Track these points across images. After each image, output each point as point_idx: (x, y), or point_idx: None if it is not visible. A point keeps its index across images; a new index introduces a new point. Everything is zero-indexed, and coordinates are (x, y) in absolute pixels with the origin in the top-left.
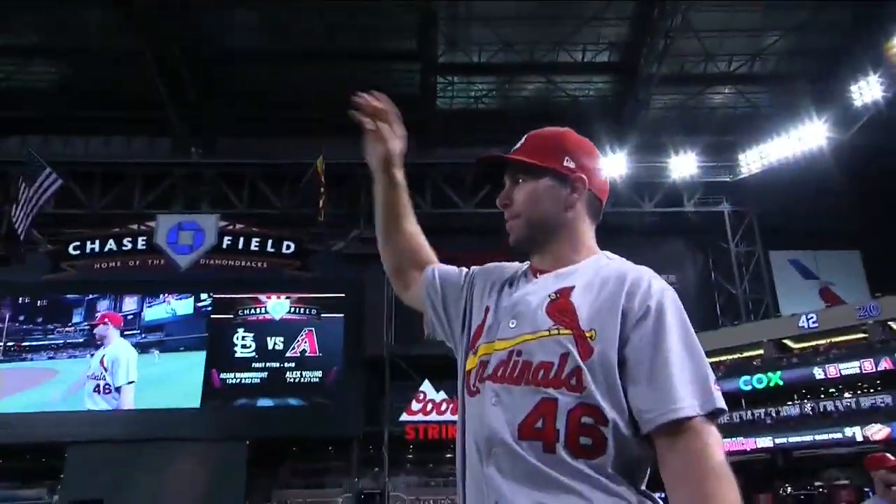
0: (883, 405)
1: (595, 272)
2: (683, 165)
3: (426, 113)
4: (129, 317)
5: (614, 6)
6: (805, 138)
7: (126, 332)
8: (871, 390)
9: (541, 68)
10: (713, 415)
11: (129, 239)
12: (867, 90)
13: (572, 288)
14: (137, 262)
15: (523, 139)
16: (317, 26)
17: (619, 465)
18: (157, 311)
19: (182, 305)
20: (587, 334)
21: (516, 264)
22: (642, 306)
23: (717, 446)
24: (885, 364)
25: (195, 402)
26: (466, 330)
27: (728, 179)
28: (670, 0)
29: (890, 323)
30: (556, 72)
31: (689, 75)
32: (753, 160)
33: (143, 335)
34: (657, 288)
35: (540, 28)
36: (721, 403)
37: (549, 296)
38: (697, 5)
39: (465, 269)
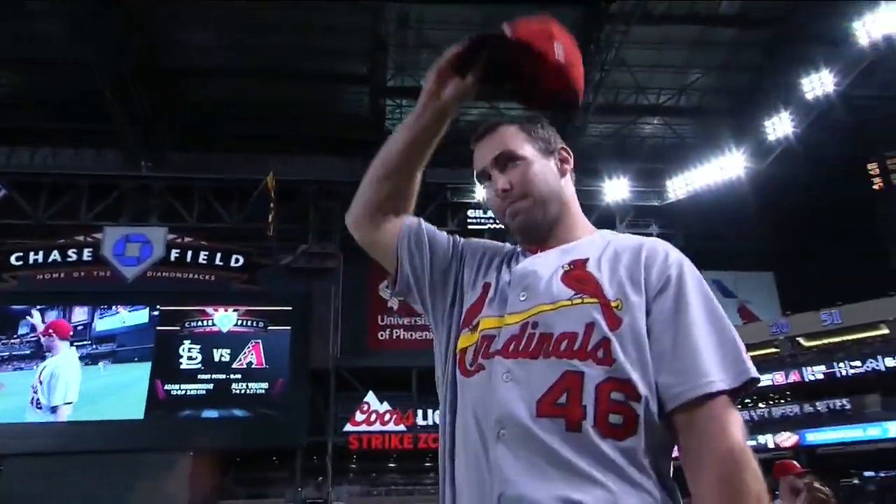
0: (792, 415)
1: (603, 246)
2: (616, 190)
3: (374, 134)
4: (80, 327)
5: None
6: (725, 168)
7: (77, 343)
8: (782, 401)
9: (485, 95)
10: (745, 387)
11: (75, 250)
12: (779, 125)
13: (586, 260)
14: (82, 274)
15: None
16: (272, 47)
17: (647, 449)
18: (110, 321)
19: (135, 316)
20: (613, 304)
21: (507, 245)
22: (661, 277)
23: (740, 428)
24: (793, 377)
25: (139, 414)
26: (458, 305)
27: (657, 204)
28: (605, 37)
29: (798, 339)
30: (500, 99)
31: (622, 106)
32: (680, 186)
33: (95, 346)
34: (675, 258)
35: None
36: (755, 373)
37: (563, 267)
38: (630, 43)
39: (452, 237)
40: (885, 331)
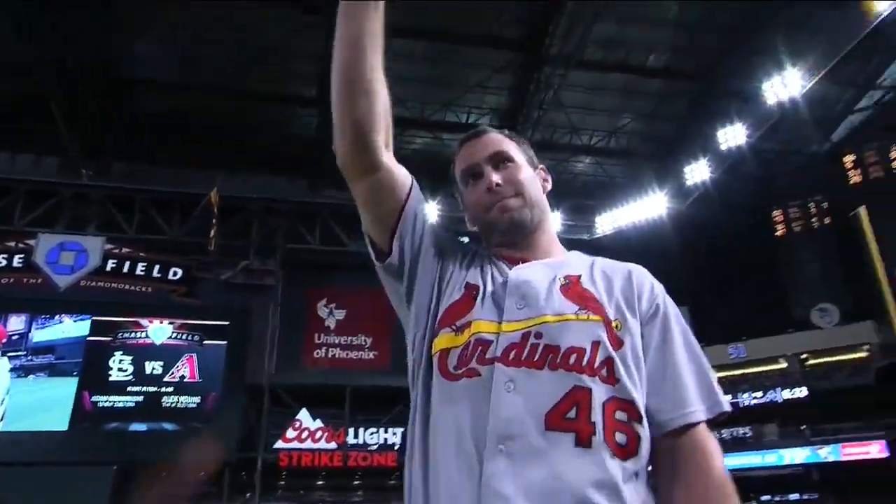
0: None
1: (589, 264)
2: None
3: (320, 155)
4: (15, 337)
5: (496, 78)
6: (649, 207)
7: (9, 353)
8: None
9: (429, 125)
10: (716, 417)
11: (5, 255)
12: (697, 171)
13: (579, 276)
14: (11, 280)
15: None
16: (225, 65)
17: (644, 471)
18: (50, 332)
19: (79, 327)
20: (613, 323)
21: (468, 244)
22: (651, 305)
23: (719, 452)
24: None
25: (63, 426)
26: (435, 300)
27: (586, 237)
28: (545, 78)
29: None
30: (443, 129)
31: (557, 144)
32: (607, 223)
33: (30, 357)
34: (659, 288)
35: (430, 90)
36: (727, 406)
37: (559, 280)
38: (567, 86)
39: (428, 224)
40: (784, 364)
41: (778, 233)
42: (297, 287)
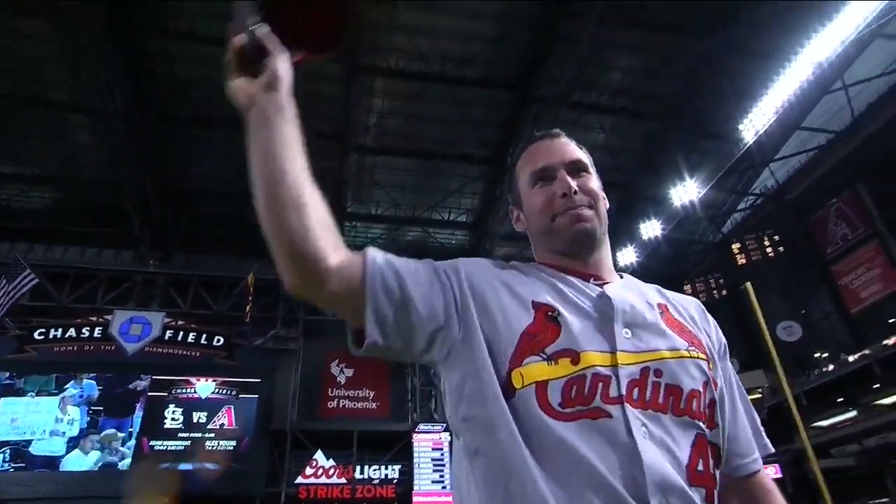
0: None
1: (657, 292)
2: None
3: None
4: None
5: (470, 185)
6: None
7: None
8: None
9: (419, 222)
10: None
11: (88, 328)
12: (626, 255)
13: (666, 306)
14: (92, 347)
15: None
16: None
17: None
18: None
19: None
20: (710, 363)
21: (491, 260)
22: (720, 343)
23: (777, 490)
24: None
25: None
26: (475, 333)
27: None
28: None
29: None
30: (431, 225)
31: (519, 234)
32: None
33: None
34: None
35: (420, 195)
36: (771, 448)
37: (654, 308)
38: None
39: (425, 263)
40: None
41: None
42: (314, 350)
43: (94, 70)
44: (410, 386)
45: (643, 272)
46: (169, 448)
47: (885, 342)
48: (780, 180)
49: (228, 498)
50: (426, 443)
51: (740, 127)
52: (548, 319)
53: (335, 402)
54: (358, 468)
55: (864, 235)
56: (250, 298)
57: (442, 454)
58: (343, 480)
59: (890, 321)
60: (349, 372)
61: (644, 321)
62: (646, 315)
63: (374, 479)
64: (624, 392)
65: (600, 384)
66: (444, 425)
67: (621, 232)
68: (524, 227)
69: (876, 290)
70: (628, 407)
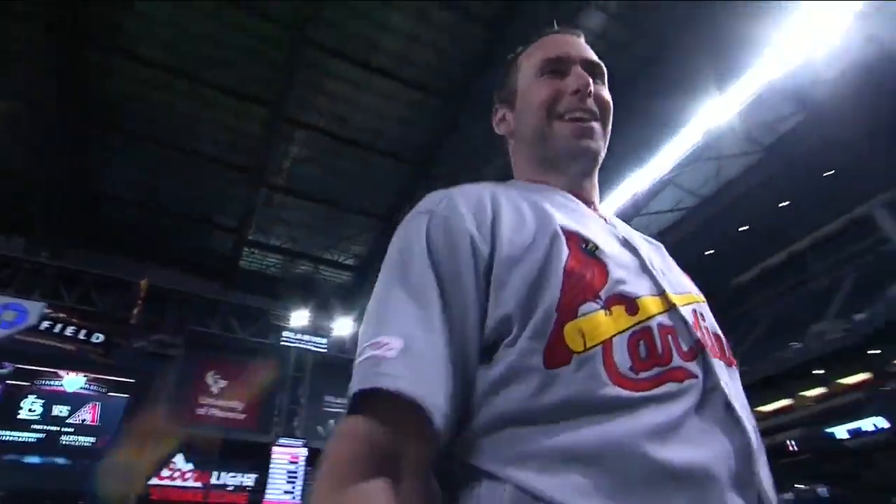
0: None
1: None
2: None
3: (230, 267)
4: None
5: (362, 235)
6: None
7: None
8: None
9: (311, 259)
10: None
11: None
12: None
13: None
14: None
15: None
16: (169, 191)
17: None
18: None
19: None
20: None
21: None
22: None
23: None
24: None
25: None
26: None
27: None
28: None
29: None
30: (321, 263)
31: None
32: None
33: None
34: None
35: (317, 235)
36: None
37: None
38: None
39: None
40: None
41: None
42: (193, 359)
43: (28, 63)
44: (279, 402)
45: None
46: (19, 439)
47: None
48: None
49: (76, 495)
50: (284, 455)
51: None
52: (585, 253)
53: (205, 409)
54: (215, 474)
55: None
56: (139, 302)
57: (297, 467)
58: (199, 485)
59: None
60: (223, 383)
61: (660, 259)
62: (652, 251)
63: (228, 486)
64: (694, 344)
65: (669, 337)
66: (303, 441)
67: None
68: (508, 129)
69: None
70: (713, 360)
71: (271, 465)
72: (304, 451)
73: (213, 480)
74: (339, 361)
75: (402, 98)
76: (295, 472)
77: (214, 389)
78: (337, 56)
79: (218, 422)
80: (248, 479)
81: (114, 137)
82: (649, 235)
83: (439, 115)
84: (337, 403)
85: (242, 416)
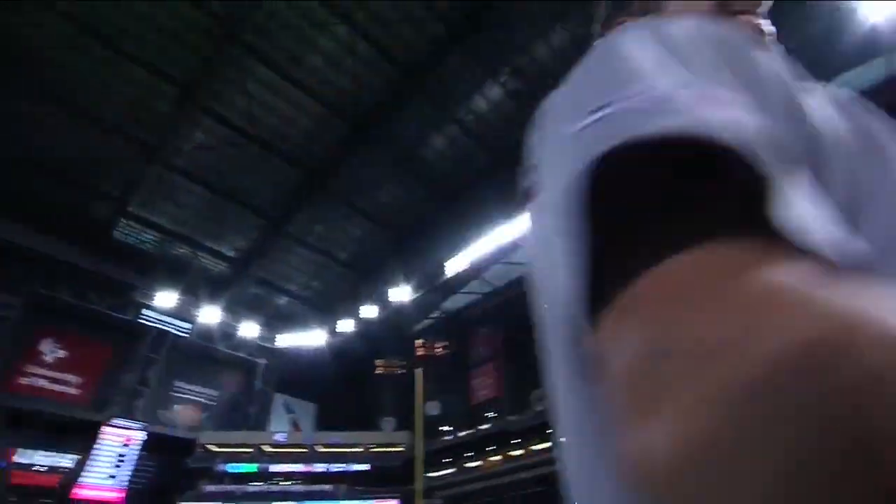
0: (318, 491)
1: None
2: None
3: (102, 235)
4: None
5: (248, 231)
6: (315, 338)
7: None
8: (308, 482)
9: (192, 243)
10: None
11: None
12: (344, 325)
13: None
14: None
15: None
16: (58, 147)
17: None
18: None
19: None
20: None
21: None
22: None
23: None
24: (316, 468)
25: None
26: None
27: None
28: (282, 244)
29: (316, 447)
30: (201, 249)
31: (273, 283)
32: (289, 341)
33: None
34: None
35: (203, 222)
36: None
37: None
38: (291, 252)
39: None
40: (360, 448)
41: (378, 371)
42: (30, 325)
43: None
44: (123, 381)
45: (348, 349)
46: None
47: (479, 427)
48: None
49: None
50: (116, 437)
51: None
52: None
53: (30, 378)
54: (25, 452)
55: (490, 357)
56: None
57: (128, 451)
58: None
59: (488, 415)
60: (62, 353)
61: None
62: None
63: (36, 466)
64: None
65: None
66: (143, 424)
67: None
68: None
69: (487, 393)
70: None
71: (97, 445)
72: (140, 435)
73: (19, 458)
74: (198, 348)
75: (314, 113)
76: (124, 456)
77: (49, 359)
78: (262, 61)
79: (42, 393)
80: (67, 460)
81: (13, 86)
82: None
83: (343, 137)
84: (188, 390)
85: (77, 392)
